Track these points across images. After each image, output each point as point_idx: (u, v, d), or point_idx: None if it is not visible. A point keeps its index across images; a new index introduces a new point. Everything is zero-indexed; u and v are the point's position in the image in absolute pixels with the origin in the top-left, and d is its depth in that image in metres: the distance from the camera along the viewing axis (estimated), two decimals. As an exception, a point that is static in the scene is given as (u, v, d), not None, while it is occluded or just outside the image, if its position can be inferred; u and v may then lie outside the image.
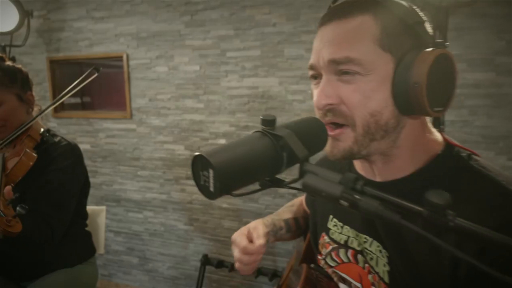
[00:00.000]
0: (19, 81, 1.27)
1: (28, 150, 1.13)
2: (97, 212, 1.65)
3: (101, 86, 2.71)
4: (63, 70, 2.81)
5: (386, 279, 0.65)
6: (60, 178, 1.21)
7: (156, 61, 2.46)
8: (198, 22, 2.32)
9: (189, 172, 2.48)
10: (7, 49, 2.49)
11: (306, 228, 1.08)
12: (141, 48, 2.48)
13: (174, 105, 2.46)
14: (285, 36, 2.15)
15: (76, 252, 1.37)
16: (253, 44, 2.22)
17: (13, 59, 2.42)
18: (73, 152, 1.28)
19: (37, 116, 1.25)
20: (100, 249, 1.58)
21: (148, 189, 2.63)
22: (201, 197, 2.49)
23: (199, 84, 2.38)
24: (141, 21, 2.46)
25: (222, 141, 2.38)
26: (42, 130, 1.28)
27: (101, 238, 1.59)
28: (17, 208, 0.88)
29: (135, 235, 2.73)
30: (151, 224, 2.67)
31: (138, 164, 2.63)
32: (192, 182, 2.46)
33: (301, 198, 1.14)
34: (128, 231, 2.74)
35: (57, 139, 1.30)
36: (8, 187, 0.94)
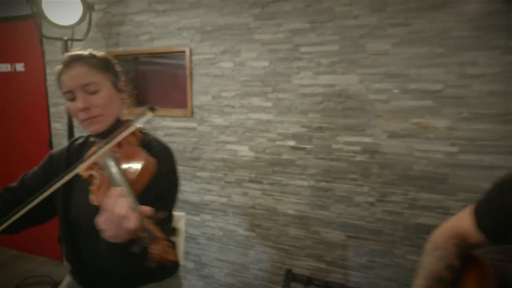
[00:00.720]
0: (111, 69, 1.15)
1: (147, 154, 0.97)
2: (176, 218, 1.51)
3: (159, 82, 2.60)
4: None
5: None
6: (167, 184, 1.07)
7: (221, 56, 2.32)
8: (269, 14, 2.16)
9: (253, 175, 2.33)
10: (69, 43, 2.42)
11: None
12: (205, 42, 2.35)
13: (239, 103, 2.32)
14: (369, 29, 1.95)
15: (166, 265, 1.24)
16: (331, 39, 2.04)
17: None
18: (172, 153, 1.15)
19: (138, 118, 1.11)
20: (180, 259, 1.45)
21: (207, 191, 2.50)
22: (264, 201, 2.33)
23: (268, 81, 2.22)
24: (206, 14, 2.32)
25: (291, 143, 2.21)
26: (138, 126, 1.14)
27: (181, 247, 1.46)
28: (166, 229, 0.73)
29: (191, 238, 2.62)
30: (209, 228, 2.54)
31: (197, 165, 2.51)
32: (255, 185, 2.31)
33: (445, 232, 0.95)
34: (184, 234, 2.62)
35: (150, 138, 1.17)
36: (148, 208, 0.77)
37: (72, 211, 1.13)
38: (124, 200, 0.76)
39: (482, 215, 0.88)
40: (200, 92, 2.41)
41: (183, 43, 2.41)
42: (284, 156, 2.24)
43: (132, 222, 0.73)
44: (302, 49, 2.11)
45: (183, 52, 2.41)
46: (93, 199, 0.89)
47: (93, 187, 0.92)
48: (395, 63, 1.92)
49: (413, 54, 1.88)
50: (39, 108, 3.05)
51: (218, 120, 2.39)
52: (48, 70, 2.97)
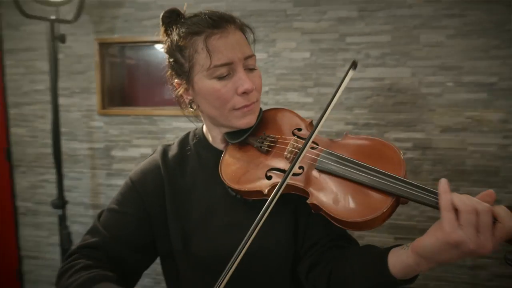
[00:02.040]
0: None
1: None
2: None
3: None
4: (113, 56, 2.25)
5: None
6: None
7: (252, 46, 2.03)
8: (311, 0, 1.95)
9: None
10: (56, 24, 1.90)
11: None
12: (232, 30, 2.04)
13: (274, 99, 2.06)
14: (423, 19, 1.87)
15: None
16: (382, 29, 1.91)
17: (61, 38, 1.87)
18: None
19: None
20: None
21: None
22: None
23: (309, 75, 2.01)
24: (233, -3, 2.02)
25: (336, 142, 2.03)
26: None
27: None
28: None
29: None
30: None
31: (220, 171, 2.17)
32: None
33: None
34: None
35: None
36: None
37: (209, 246, 0.78)
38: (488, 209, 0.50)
39: None
40: (225, 87, 2.10)
41: (203, 30, 2.07)
42: (326, 157, 2.05)
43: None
44: (349, 39, 1.94)
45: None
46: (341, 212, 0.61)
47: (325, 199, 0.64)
48: (449, 55, 1.87)
49: (468, 46, 1.84)
50: (-9, 109, 2.38)
51: (247, 119, 2.10)
52: (8, 62, 2.33)
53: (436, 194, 0.56)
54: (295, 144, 0.74)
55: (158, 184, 0.81)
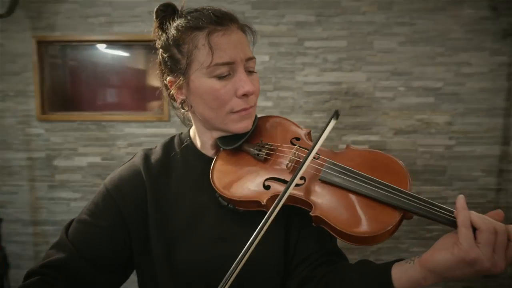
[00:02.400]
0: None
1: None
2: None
3: (119, 79, 2.05)
4: (54, 56, 2.05)
5: None
6: None
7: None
8: (269, 3, 1.93)
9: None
10: (-15, 19, 1.68)
11: None
12: (188, 31, 1.96)
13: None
14: (376, 26, 1.94)
15: None
16: (338, 34, 1.95)
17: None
18: None
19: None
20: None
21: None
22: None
23: (268, 78, 1.99)
24: (188, -3, 1.94)
25: (296, 146, 2.03)
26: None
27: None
28: None
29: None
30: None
31: (177, 179, 2.07)
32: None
33: None
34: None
35: None
36: None
37: (200, 258, 0.71)
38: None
39: None
40: (181, 91, 2.00)
41: (157, 30, 1.95)
42: (287, 161, 2.04)
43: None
44: (308, 43, 1.96)
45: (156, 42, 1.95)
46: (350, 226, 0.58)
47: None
48: (400, 61, 1.96)
49: (417, 52, 1.95)
50: None
51: (205, 124, 2.02)
52: None
53: (446, 210, 0.55)
54: (297, 153, 0.70)
55: (139, 191, 0.72)
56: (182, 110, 0.74)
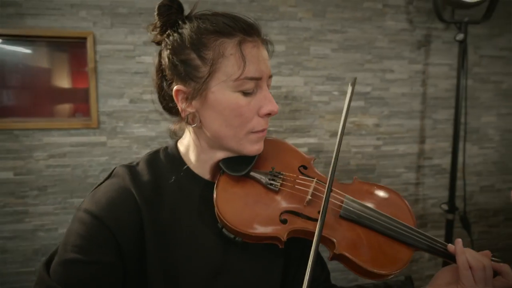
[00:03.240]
0: None
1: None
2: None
3: (19, 80, 1.77)
4: None
5: None
6: None
7: (144, 48, 1.81)
8: (206, 4, 1.86)
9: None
10: None
11: None
12: (118, 28, 1.78)
13: (171, 108, 1.88)
14: (312, 33, 2.01)
15: None
16: (277, 38, 1.97)
17: None
18: None
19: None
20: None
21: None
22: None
23: (208, 82, 1.91)
24: (118, -8, 1.76)
25: (238, 151, 1.99)
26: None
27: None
28: None
29: None
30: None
31: (109, 192, 1.86)
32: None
33: None
34: None
35: None
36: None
37: None
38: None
39: None
40: (112, 95, 1.81)
41: (82, 26, 1.73)
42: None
43: None
44: (247, 47, 1.93)
45: (82, 39, 1.73)
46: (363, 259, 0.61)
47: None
48: (334, 67, 2.06)
49: (348, 59, 2.07)
50: None
51: (141, 131, 1.86)
52: None
53: (442, 244, 0.63)
54: (316, 186, 0.66)
55: (135, 217, 0.60)
56: (188, 124, 0.64)
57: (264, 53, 0.62)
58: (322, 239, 0.62)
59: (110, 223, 0.58)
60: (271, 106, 0.61)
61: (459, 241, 0.60)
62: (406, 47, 2.14)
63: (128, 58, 1.80)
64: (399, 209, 0.67)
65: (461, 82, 1.96)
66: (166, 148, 0.70)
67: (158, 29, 0.63)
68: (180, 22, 0.62)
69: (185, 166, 0.66)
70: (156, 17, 0.62)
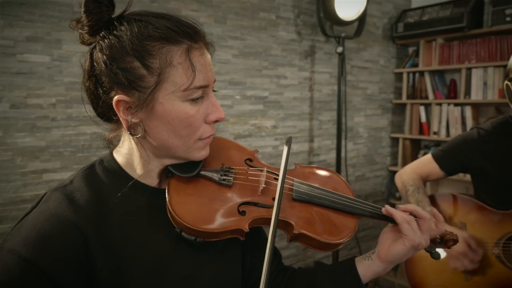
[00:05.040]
0: None
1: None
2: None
3: None
4: None
5: None
6: None
7: (28, 44, 1.55)
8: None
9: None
10: None
11: None
12: (-8, 20, 1.48)
13: (64, 113, 1.66)
14: (214, 38, 2.04)
15: None
16: (181, 42, 1.94)
17: None
18: None
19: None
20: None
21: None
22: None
23: (108, 85, 1.75)
24: (-11, -25, 1.47)
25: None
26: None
27: None
28: None
29: None
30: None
31: (-14, 217, 1.53)
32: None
33: (414, 175, 1.37)
34: None
35: None
36: None
37: None
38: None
39: (445, 160, 1.32)
40: (-15, 98, 1.49)
41: None
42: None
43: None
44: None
45: None
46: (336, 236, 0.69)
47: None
48: (235, 72, 2.15)
49: (248, 65, 2.19)
50: None
51: (26, 140, 1.59)
52: None
53: (378, 208, 0.73)
54: (267, 175, 0.70)
55: (75, 247, 0.53)
56: (130, 135, 0.60)
57: (209, 58, 0.63)
58: (280, 223, 0.67)
59: (45, 265, 0.50)
60: (219, 113, 0.62)
61: (387, 206, 0.71)
62: (296, 56, 2.38)
63: (7, 56, 1.52)
64: (338, 184, 0.76)
65: (341, 88, 2.30)
66: (102, 161, 0.65)
67: (86, 28, 0.56)
68: (115, 23, 0.57)
69: (133, 180, 0.63)
70: (84, 15, 0.56)
